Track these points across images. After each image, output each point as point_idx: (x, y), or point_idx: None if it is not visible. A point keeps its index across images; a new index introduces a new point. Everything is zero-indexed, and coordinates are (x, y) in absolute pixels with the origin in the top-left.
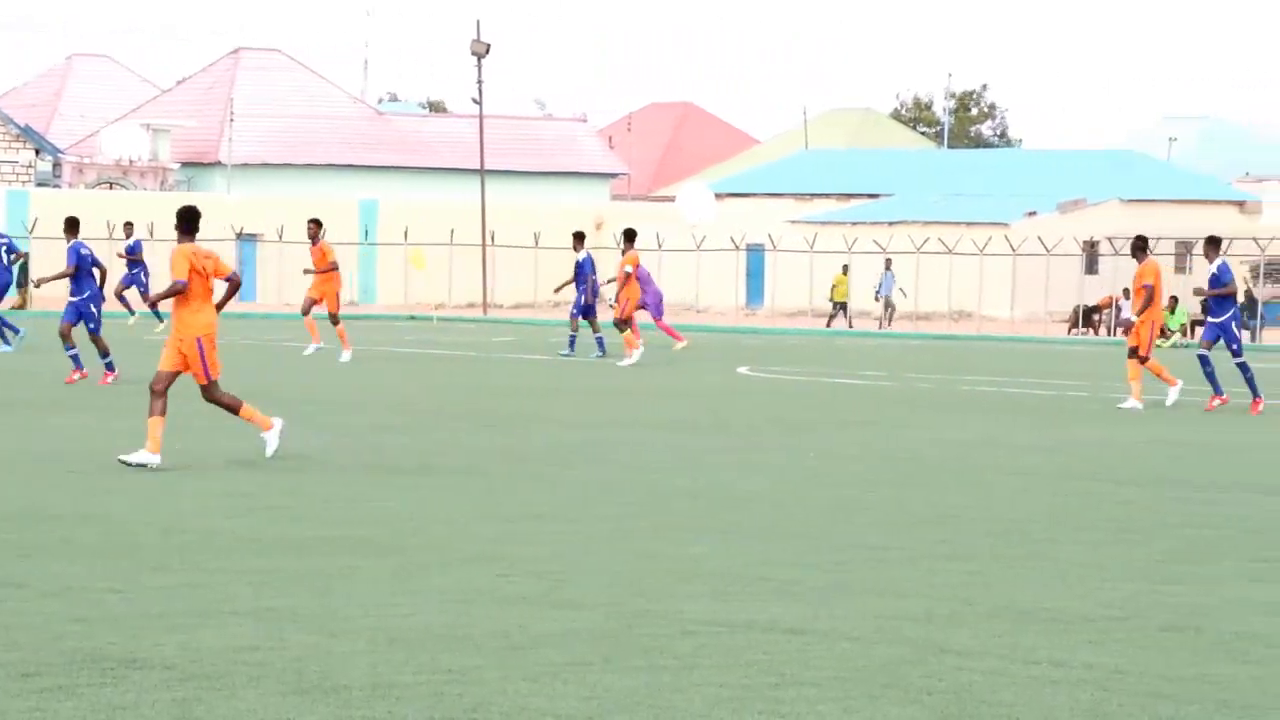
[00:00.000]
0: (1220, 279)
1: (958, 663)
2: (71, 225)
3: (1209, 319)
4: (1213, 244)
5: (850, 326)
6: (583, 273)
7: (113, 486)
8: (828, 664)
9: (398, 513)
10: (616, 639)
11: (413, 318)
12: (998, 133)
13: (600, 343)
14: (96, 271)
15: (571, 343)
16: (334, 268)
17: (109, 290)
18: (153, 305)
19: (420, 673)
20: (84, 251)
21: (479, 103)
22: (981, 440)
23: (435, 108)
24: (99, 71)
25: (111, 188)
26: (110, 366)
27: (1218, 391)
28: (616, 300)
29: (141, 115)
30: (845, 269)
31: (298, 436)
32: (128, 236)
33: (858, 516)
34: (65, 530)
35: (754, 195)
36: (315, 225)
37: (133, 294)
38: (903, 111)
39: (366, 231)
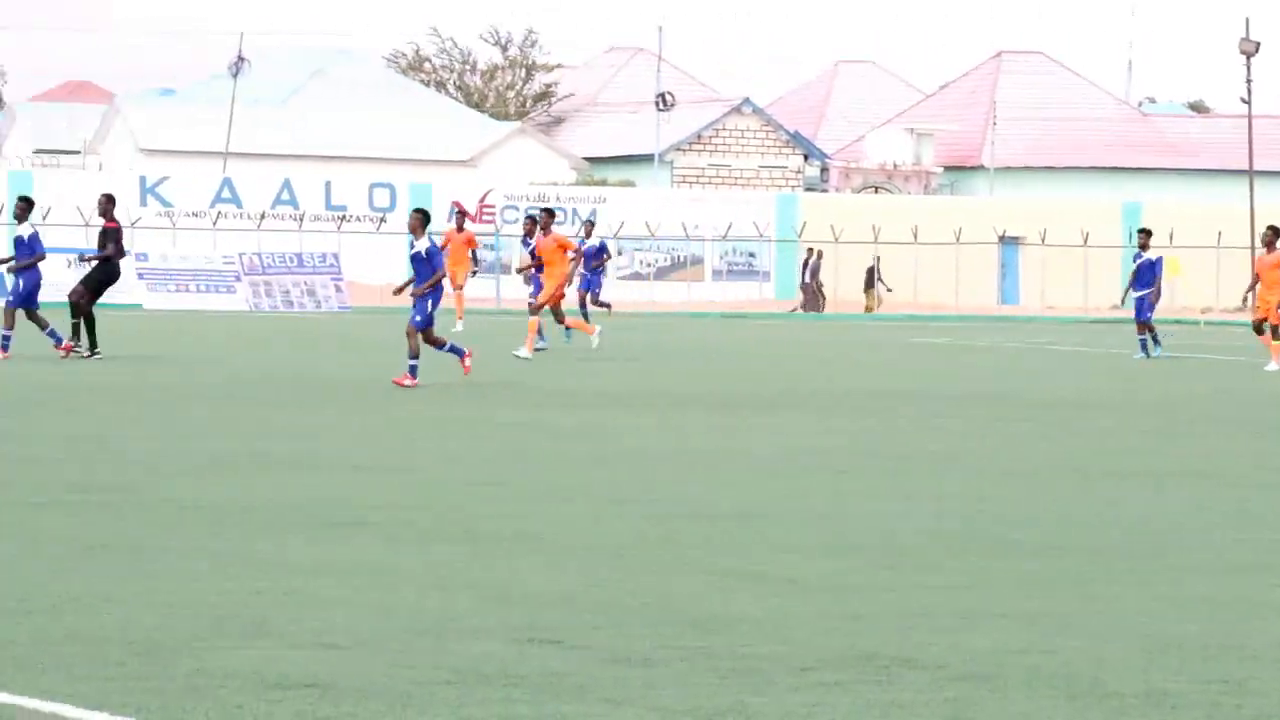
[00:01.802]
0: None
1: None
2: (422, 220)
3: None
4: None
5: None
6: (1152, 274)
7: (809, 485)
8: None
9: (1122, 517)
10: None
11: (1178, 321)
12: None
13: (1155, 338)
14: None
15: (1143, 345)
16: (577, 255)
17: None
18: None
19: (1194, 682)
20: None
21: (1248, 102)
22: None
23: (1196, 108)
24: (864, 77)
25: (876, 192)
26: (413, 371)
27: None
28: (1260, 301)
29: (905, 120)
30: None
31: (1024, 441)
32: (587, 235)
33: None
34: (784, 529)
35: None
36: (549, 215)
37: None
38: None
39: (1131, 235)
